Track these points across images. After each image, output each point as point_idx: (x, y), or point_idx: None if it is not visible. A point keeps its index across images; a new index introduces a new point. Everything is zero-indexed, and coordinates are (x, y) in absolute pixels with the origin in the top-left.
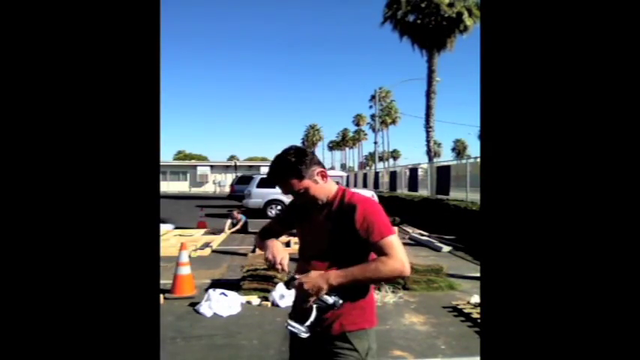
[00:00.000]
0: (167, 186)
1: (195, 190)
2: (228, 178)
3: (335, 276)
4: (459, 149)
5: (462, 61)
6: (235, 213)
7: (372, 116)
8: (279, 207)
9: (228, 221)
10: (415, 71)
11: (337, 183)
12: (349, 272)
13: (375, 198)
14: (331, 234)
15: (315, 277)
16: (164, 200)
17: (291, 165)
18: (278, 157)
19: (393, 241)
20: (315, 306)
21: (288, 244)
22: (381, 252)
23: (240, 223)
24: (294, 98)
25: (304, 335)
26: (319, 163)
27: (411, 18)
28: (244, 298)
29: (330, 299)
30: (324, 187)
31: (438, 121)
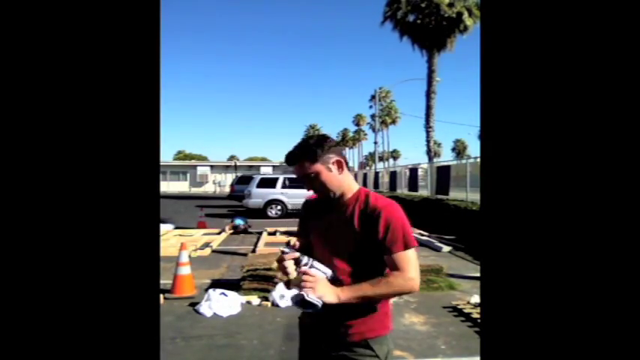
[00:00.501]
0: (167, 186)
1: (195, 190)
2: (228, 178)
3: (345, 294)
4: (459, 149)
5: (462, 61)
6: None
7: (372, 116)
8: (279, 207)
9: (230, 224)
10: (415, 71)
11: None
12: (359, 289)
13: None
14: (355, 238)
15: (325, 287)
16: (164, 200)
17: (308, 147)
18: (300, 141)
19: (410, 256)
20: (299, 300)
21: (288, 244)
22: (395, 265)
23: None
24: (294, 98)
25: (320, 304)
26: (340, 154)
27: (411, 18)
28: (244, 298)
29: (319, 305)
30: (337, 178)
31: (438, 121)
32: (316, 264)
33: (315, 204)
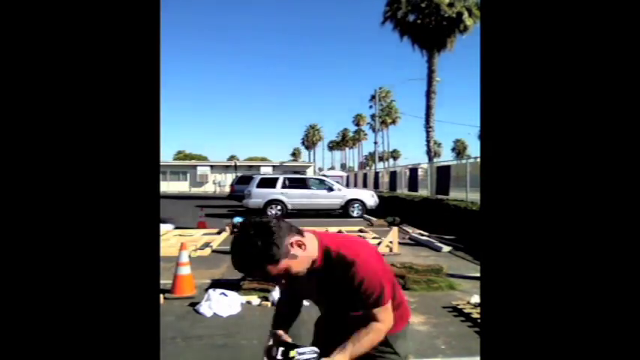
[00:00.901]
0: (167, 186)
1: (195, 190)
2: (228, 178)
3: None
4: (459, 149)
5: (462, 61)
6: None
7: (372, 116)
8: (278, 207)
9: (230, 223)
10: (415, 71)
11: (337, 183)
12: (351, 350)
13: (375, 198)
14: (338, 294)
15: None
16: (164, 200)
17: (261, 251)
18: (242, 244)
19: (388, 309)
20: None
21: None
22: (374, 317)
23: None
24: (294, 98)
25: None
26: (290, 231)
27: (411, 18)
28: (244, 298)
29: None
30: (305, 257)
31: (438, 121)
32: (300, 355)
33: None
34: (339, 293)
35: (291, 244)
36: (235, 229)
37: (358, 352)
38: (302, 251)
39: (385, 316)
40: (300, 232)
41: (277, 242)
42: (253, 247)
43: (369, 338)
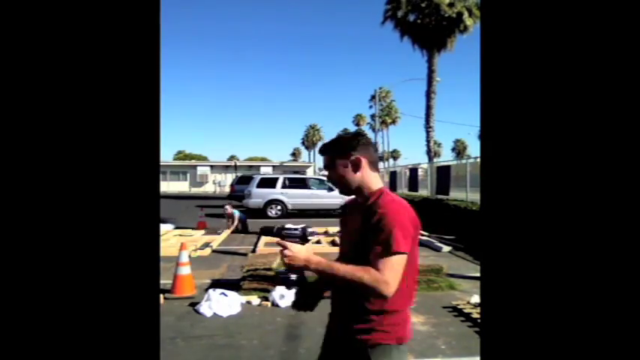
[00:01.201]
0: (167, 186)
1: (195, 190)
2: (228, 178)
3: (316, 263)
4: (459, 149)
5: (462, 61)
6: (228, 208)
7: (372, 116)
8: (278, 207)
9: (228, 223)
10: (415, 71)
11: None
12: (331, 266)
13: None
14: (358, 235)
15: (298, 255)
16: (164, 200)
17: (336, 140)
18: (342, 133)
19: (393, 261)
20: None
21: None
22: (374, 264)
23: (236, 222)
24: (294, 98)
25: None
26: (366, 153)
27: (411, 18)
28: (244, 298)
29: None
30: (351, 175)
31: (438, 121)
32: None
33: (349, 205)
34: (358, 235)
35: (354, 158)
36: (230, 217)
37: (341, 275)
38: (353, 170)
39: (386, 266)
40: (376, 168)
41: (350, 144)
42: (342, 137)
43: (354, 269)
